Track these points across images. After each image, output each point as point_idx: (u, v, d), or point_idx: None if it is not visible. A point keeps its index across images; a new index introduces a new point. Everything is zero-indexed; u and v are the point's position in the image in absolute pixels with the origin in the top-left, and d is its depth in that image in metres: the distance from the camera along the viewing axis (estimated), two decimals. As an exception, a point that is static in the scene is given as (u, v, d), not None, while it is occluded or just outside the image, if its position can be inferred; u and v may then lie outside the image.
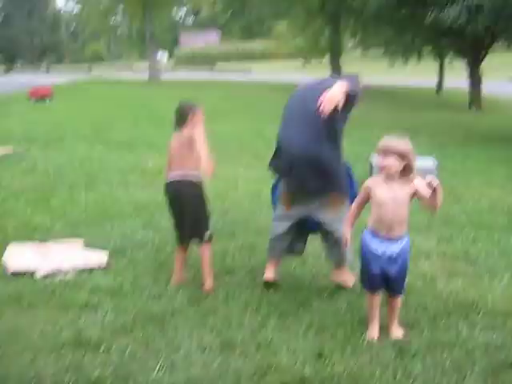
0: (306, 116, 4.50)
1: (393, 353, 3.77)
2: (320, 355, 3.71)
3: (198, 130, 4.65)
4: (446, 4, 13.92)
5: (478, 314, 4.32)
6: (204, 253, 4.77)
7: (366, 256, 3.95)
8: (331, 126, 4.45)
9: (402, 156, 3.77)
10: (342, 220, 4.38)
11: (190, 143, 4.61)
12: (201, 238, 4.76)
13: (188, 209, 4.68)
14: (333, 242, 4.64)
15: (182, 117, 4.73)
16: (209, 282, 4.68)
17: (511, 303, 4.51)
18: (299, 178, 4.50)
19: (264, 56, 59.95)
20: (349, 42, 37.59)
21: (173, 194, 4.74)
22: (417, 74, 35.57)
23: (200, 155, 4.56)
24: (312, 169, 4.45)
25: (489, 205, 7.32)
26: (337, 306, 4.38)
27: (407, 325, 4.11)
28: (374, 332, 3.99)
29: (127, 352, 3.73)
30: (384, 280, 3.93)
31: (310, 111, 4.46)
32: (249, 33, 66.85)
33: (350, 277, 4.71)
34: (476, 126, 16.09)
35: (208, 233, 4.78)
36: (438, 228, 6.33)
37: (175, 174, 4.69)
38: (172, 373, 3.54)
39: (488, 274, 5.12)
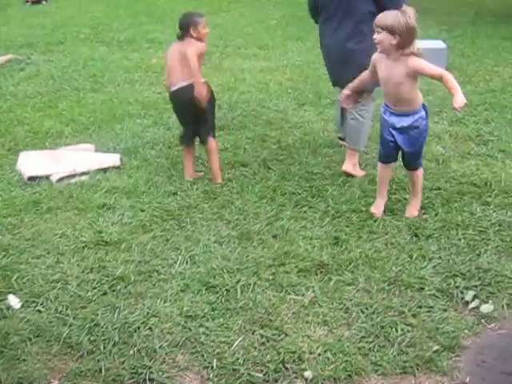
0: None
1: (408, 235, 3.85)
2: (336, 241, 3.80)
3: (192, 49, 4.41)
4: None
5: (491, 193, 4.36)
6: (209, 151, 4.78)
7: (380, 123, 4.09)
8: None
9: (390, 30, 3.69)
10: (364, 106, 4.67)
11: (183, 60, 4.45)
12: (203, 138, 4.74)
13: (194, 112, 4.60)
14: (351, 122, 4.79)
15: (181, 28, 4.57)
16: (216, 178, 4.74)
17: (524, 182, 4.53)
18: None
19: None
20: None
21: (178, 102, 4.69)
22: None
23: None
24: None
25: (501, 84, 7.18)
26: (351, 192, 4.42)
27: (422, 207, 4.16)
28: (376, 208, 4.11)
29: (148, 248, 3.83)
30: (396, 150, 4.02)
31: None
32: None
33: (359, 171, 4.77)
34: (486, 4, 15.51)
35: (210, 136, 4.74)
36: (449, 110, 6.22)
37: (177, 83, 4.57)
38: (193, 265, 3.64)
39: (501, 154, 5.11)
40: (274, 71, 7.98)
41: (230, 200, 4.41)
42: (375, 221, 4.01)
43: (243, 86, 7.41)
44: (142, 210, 4.32)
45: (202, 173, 4.93)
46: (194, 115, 4.60)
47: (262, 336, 3.03)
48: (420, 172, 4.14)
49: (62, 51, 10.35)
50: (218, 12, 13.82)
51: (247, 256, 3.69)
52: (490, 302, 3.25)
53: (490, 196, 4.32)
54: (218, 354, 2.92)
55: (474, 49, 9.24)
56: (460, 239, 3.79)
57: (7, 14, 14.78)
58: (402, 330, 3.03)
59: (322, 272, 3.51)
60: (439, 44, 8.07)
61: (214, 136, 4.76)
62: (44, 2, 19.20)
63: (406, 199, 4.27)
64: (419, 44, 3.81)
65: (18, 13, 15.04)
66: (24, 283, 3.49)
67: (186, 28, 4.52)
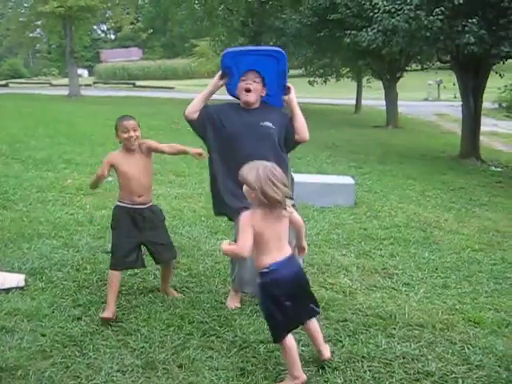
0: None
1: (314, 367, 3.83)
2: (243, 372, 3.73)
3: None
4: (363, 27, 14.40)
5: (396, 326, 4.45)
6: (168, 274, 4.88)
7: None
8: None
9: (250, 186, 3.40)
10: None
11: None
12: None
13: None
14: None
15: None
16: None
17: (427, 315, 4.67)
18: None
19: (187, 74, 59.72)
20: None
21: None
22: (336, 94, 36.47)
23: None
24: None
25: (405, 220, 7.57)
26: (259, 322, 4.40)
27: (328, 339, 4.18)
28: None
29: (46, 376, 3.62)
30: None
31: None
32: (171, 51, 66.64)
33: None
34: (392, 144, 16.63)
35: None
36: (357, 243, 6.49)
37: None
38: (92, 396, 3.46)
39: (405, 287, 5.29)
40: (189, 198, 8.12)
41: (136, 327, 4.28)
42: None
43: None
44: (43, 335, 4.12)
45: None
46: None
47: None
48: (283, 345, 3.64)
49: (-26, 166, 10.17)
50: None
51: (150, 387, 3.56)
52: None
53: (394, 328, 4.41)
54: None
55: (381, 185, 9.79)
56: (365, 371, 3.80)
57: None
58: None
59: (227, 405, 3.41)
60: (348, 180, 8.52)
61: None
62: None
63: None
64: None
65: None
66: None
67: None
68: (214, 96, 4.75)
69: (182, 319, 4.41)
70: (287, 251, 3.57)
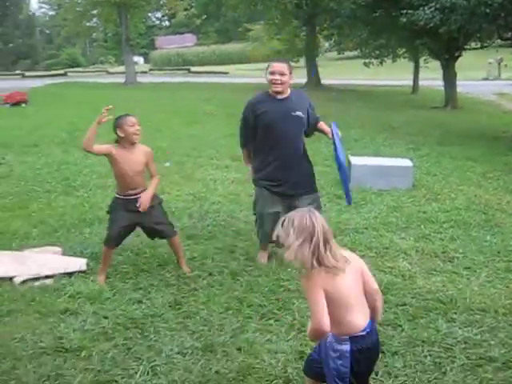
0: None
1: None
2: (302, 355, 3.73)
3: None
4: (420, 5, 14.06)
5: (457, 310, 4.37)
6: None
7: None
8: None
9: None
10: None
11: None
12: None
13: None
14: None
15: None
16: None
17: (489, 300, 4.56)
18: None
19: (241, 59, 59.75)
20: (325, 44, 37.67)
21: None
22: (392, 75, 35.86)
23: None
24: None
25: (465, 203, 7.40)
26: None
27: (387, 323, 4.14)
28: None
29: (108, 357, 3.73)
30: None
31: None
32: (225, 36, 66.77)
33: None
34: (451, 125, 16.23)
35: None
36: (416, 226, 6.38)
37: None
38: (154, 376, 3.53)
39: (466, 271, 5.17)
40: (245, 183, 8.12)
41: (195, 310, 4.35)
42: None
43: (214, 196, 7.52)
44: (106, 317, 4.24)
45: None
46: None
47: None
48: None
49: (36, 153, 10.46)
50: (191, 123, 14.22)
51: (210, 369, 3.60)
52: None
53: (455, 313, 4.33)
54: None
55: (440, 168, 9.57)
56: (426, 356, 3.76)
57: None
58: None
59: (286, 387, 3.42)
60: (406, 162, 8.36)
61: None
62: (23, 105, 19.55)
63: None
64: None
65: (-4, 113, 15.22)
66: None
67: (114, 131, 4.82)
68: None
69: (240, 303, 4.45)
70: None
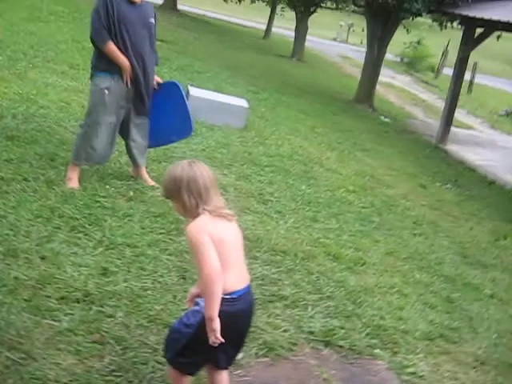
0: None
1: (176, 277, 3.94)
2: (105, 272, 3.78)
3: None
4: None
5: (261, 249, 4.65)
6: None
7: None
8: None
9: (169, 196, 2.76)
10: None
11: None
12: None
13: None
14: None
15: None
16: None
17: (291, 243, 4.91)
18: None
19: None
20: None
21: None
22: (248, 15, 35.95)
23: None
24: None
25: (290, 152, 7.76)
26: (130, 227, 4.44)
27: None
28: None
29: None
30: None
31: None
32: None
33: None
34: (293, 76, 16.75)
35: None
36: (239, 166, 6.59)
37: None
38: None
39: (276, 215, 5.49)
40: (80, 93, 7.83)
41: (2, 214, 4.17)
42: (147, 258, 4.07)
43: (44, 100, 7.16)
44: None
45: None
46: None
47: (7, 358, 2.89)
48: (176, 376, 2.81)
49: None
50: (35, 20, 13.27)
51: (9, 274, 3.52)
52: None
53: (258, 251, 4.60)
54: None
55: (274, 114, 9.92)
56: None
57: None
58: (152, 367, 3.09)
59: (84, 301, 3.45)
60: (242, 102, 8.54)
61: None
62: None
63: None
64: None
65: None
66: None
67: None
68: None
69: (52, 212, 4.36)
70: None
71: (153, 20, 5.11)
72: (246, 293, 2.69)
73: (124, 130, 5.20)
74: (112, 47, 4.81)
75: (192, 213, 2.65)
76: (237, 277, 2.66)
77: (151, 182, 5.33)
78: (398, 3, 13.07)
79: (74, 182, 4.91)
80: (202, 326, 2.56)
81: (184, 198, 2.63)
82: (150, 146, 5.47)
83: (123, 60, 4.84)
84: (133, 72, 4.91)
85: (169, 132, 5.40)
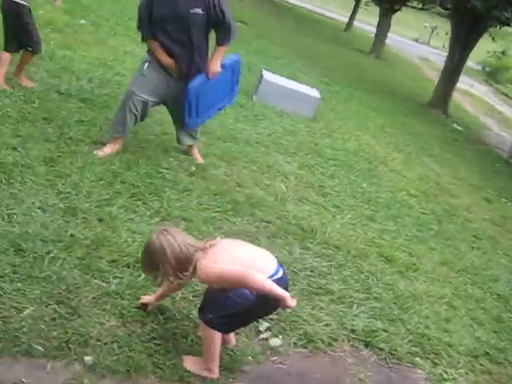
0: None
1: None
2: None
3: None
4: None
5: (314, 241, 4.62)
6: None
7: None
8: None
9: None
10: None
11: None
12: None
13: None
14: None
15: None
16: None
17: (345, 239, 4.86)
18: None
19: None
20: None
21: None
22: (330, 6, 35.60)
23: None
24: None
25: (356, 148, 7.67)
26: (188, 201, 4.49)
27: (247, 234, 4.29)
28: None
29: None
30: None
31: None
32: None
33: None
34: (369, 72, 16.51)
35: None
36: (303, 155, 6.56)
37: None
38: (8, 223, 3.51)
39: (334, 209, 5.44)
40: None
41: (68, 172, 4.30)
42: (201, 234, 4.06)
43: (121, 67, 7.30)
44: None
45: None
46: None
47: (55, 311, 2.99)
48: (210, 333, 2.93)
49: None
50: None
51: (66, 231, 3.62)
52: (280, 337, 3.44)
53: (311, 242, 4.58)
54: (4, 317, 2.84)
55: (345, 108, 9.81)
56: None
57: None
58: (191, 340, 3.13)
59: (134, 267, 3.51)
60: (315, 92, 8.48)
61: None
62: None
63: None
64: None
65: None
66: None
67: None
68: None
69: (114, 177, 4.45)
70: None
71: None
72: (283, 273, 2.96)
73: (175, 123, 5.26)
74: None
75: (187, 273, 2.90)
76: (264, 264, 2.91)
77: (199, 159, 5.34)
78: (486, 10, 12.66)
79: (105, 151, 4.81)
80: (260, 301, 2.81)
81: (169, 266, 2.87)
82: (201, 122, 5.34)
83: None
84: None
85: (218, 103, 5.31)
